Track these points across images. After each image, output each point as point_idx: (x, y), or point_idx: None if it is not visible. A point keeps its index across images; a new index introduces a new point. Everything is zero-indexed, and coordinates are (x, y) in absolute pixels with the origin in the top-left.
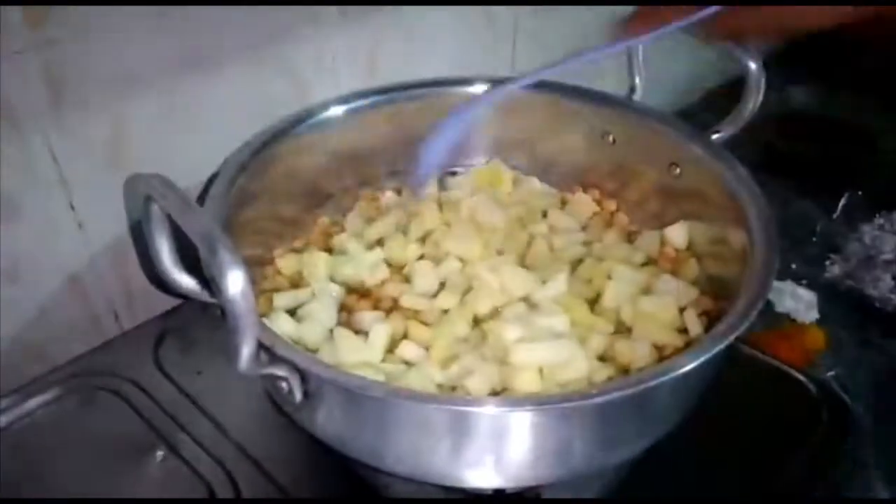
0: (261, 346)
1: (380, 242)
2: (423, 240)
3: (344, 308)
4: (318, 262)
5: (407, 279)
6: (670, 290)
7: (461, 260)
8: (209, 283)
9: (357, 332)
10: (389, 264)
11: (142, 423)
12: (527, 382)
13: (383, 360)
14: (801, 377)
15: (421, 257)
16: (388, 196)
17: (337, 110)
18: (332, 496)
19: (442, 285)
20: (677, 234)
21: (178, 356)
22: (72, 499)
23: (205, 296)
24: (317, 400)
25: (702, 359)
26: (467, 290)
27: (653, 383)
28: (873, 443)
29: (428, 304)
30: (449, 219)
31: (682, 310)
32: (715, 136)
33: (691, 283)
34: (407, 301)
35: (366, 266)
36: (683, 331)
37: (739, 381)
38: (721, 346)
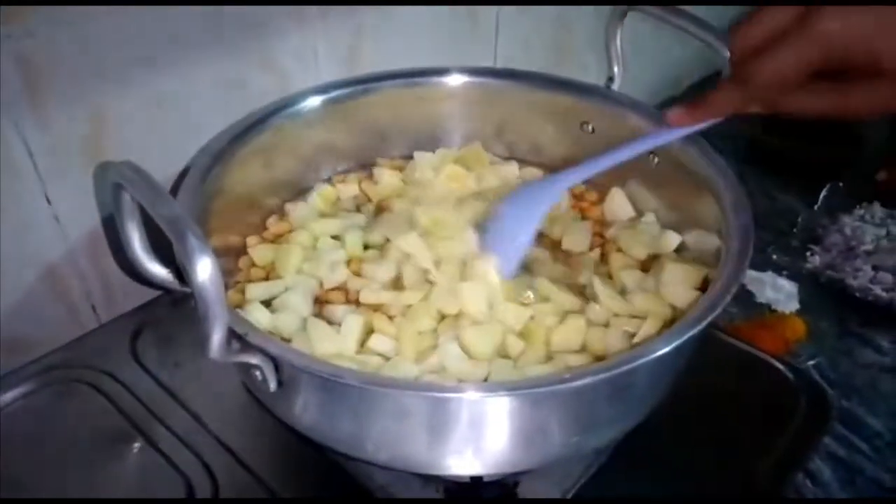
0: (234, 335)
1: (336, 238)
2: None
3: (317, 300)
4: (290, 255)
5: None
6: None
7: (406, 254)
8: (182, 272)
9: (330, 323)
10: (349, 262)
11: (119, 415)
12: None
13: (357, 353)
14: (779, 365)
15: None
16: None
17: (314, 100)
18: (311, 487)
19: (399, 279)
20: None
21: (155, 349)
22: (70, 499)
23: (177, 285)
24: (291, 389)
25: (673, 344)
26: (427, 285)
27: (625, 368)
28: (853, 429)
29: (389, 297)
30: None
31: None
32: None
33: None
34: (366, 297)
35: (325, 265)
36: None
37: (719, 369)
38: (694, 332)
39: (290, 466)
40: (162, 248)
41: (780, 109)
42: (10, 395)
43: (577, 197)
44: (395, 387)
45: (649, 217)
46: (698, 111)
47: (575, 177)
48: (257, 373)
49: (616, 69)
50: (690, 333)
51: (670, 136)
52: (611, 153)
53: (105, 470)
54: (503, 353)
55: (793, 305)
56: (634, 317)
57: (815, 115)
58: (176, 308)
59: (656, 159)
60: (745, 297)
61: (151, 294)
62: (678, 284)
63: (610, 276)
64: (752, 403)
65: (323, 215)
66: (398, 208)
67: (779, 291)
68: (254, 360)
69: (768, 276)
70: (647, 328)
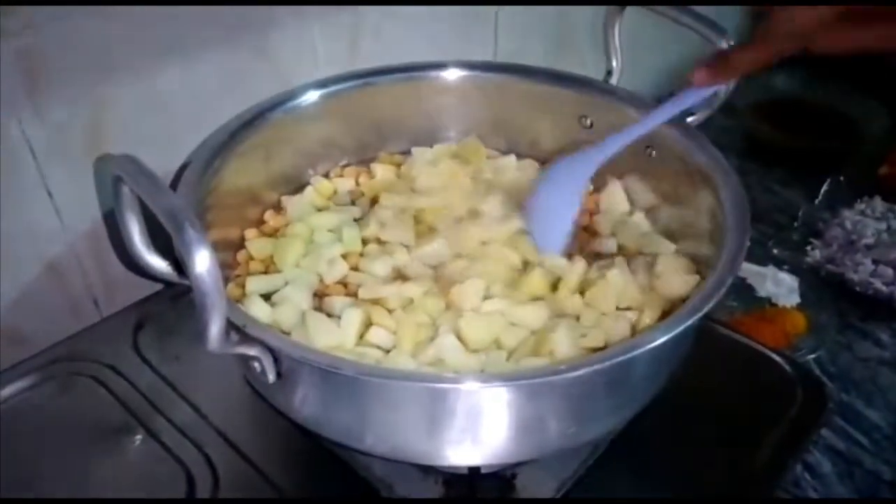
0: (232, 326)
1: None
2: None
3: (317, 294)
4: (289, 249)
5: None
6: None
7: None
8: (181, 264)
9: (329, 316)
10: (346, 256)
11: (121, 408)
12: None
13: (356, 346)
14: (777, 358)
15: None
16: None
17: (313, 95)
18: (310, 478)
19: (399, 273)
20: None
21: (157, 342)
22: (70, 499)
23: (176, 278)
24: (290, 380)
25: (668, 335)
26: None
27: (621, 358)
28: (852, 422)
29: (389, 291)
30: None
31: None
32: (690, 119)
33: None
34: (365, 293)
35: (324, 260)
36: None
37: (717, 362)
38: (689, 323)
39: (289, 458)
40: (162, 242)
41: (820, 49)
42: (11, 389)
43: None
44: (393, 377)
45: (639, 216)
46: (722, 68)
47: (612, 146)
48: (256, 364)
49: (615, 63)
50: (685, 325)
51: (695, 97)
52: (644, 120)
53: (107, 462)
54: (500, 346)
55: (793, 299)
56: (629, 308)
57: (857, 49)
58: (177, 302)
59: (654, 152)
60: (745, 292)
61: (152, 288)
62: (672, 275)
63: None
64: (750, 396)
65: (319, 209)
66: (390, 202)
67: (779, 285)
68: (252, 351)
69: (769, 270)
70: (645, 319)
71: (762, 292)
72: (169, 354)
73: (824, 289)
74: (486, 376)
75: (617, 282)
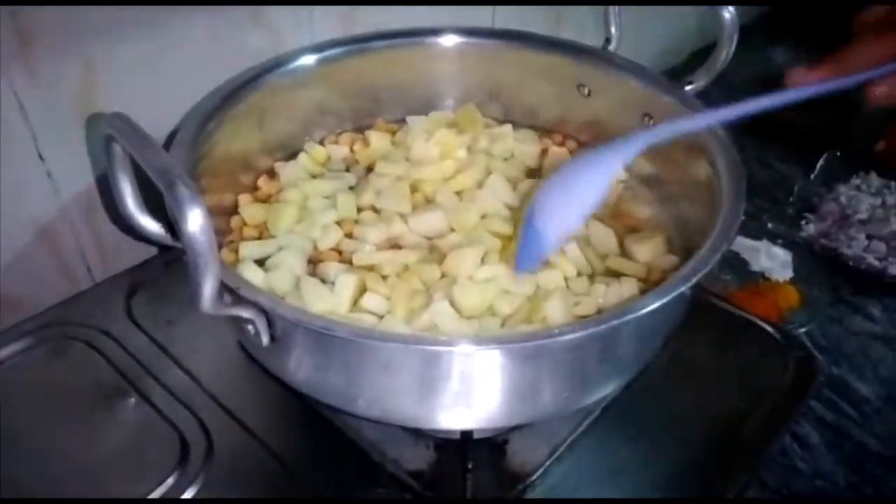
0: (226, 288)
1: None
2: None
3: (311, 260)
4: (282, 214)
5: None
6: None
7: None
8: (173, 225)
9: (323, 282)
10: (340, 223)
11: (114, 372)
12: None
13: (350, 312)
14: (768, 328)
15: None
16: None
17: (308, 59)
18: (303, 443)
19: (394, 243)
20: None
21: (150, 307)
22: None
23: (169, 240)
24: (284, 343)
25: (661, 301)
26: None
27: (614, 323)
28: (841, 395)
29: (384, 258)
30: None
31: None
32: (688, 87)
33: None
34: (359, 259)
35: (318, 227)
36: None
37: (709, 332)
38: (682, 289)
39: (283, 422)
40: (155, 206)
41: None
42: (4, 352)
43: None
44: (386, 340)
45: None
46: (829, 69)
47: (635, 146)
48: (249, 327)
49: (613, 30)
50: (678, 291)
51: (774, 101)
52: (681, 120)
53: (100, 425)
54: (493, 313)
55: (787, 274)
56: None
57: None
58: (170, 268)
59: (651, 121)
60: (739, 266)
61: (146, 254)
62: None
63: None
64: (742, 366)
65: (312, 175)
66: (387, 170)
67: (773, 260)
68: (246, 313)
69: (763, 244)
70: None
71: (756, 266)
72: (162, 319)
73: (817, 263)
74: (480, 339)
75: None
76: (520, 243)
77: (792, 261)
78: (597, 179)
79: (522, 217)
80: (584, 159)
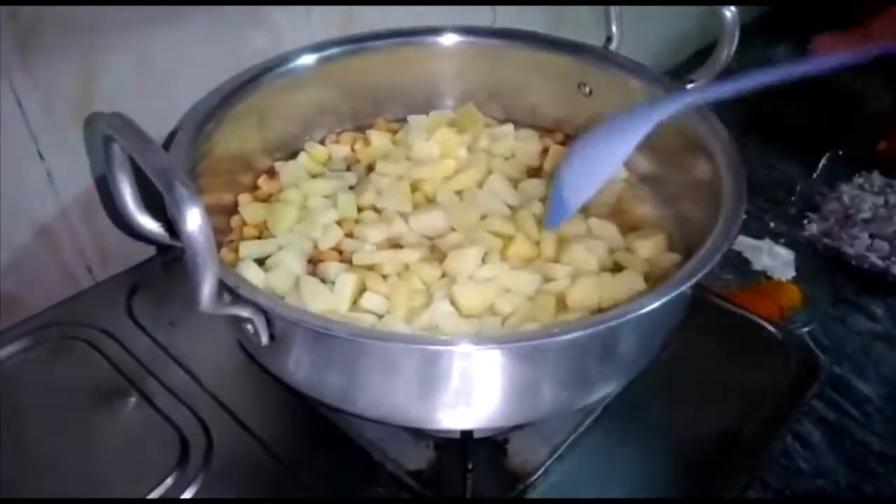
0: (225, 287)
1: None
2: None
3: (311, 260)
4: (283, 214)
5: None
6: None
7: (401, 215)
8: (172, 224)
9: (323, 281)
10: (340, 222)
11: (115, 372)
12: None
13: (350, 311)
14: (770, 327)
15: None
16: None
17: (308, 59)
18: (304, 442)
19: (394, 242)
20: None
21: (151, 308)
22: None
23: (168, 239)
24: (283, 343)
25: (661, 300)
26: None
27: (614, 322)
28: (843, 394)
29: (384, 257)
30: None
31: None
32: (690, 86)
33: None
34: (360, 259)
35: (319, 226)
36: None
37: (711, 332)
38: (682, 289)
39: (283, 421)
40: (155, 206)
41: None
42: (5, 352)
43: None
44: (386, 339)
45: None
46: (857, 39)
47: (665, 109)
48: (249, 326)
49: (614, 29)
50: (679, 290)
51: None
52: (712, 88)
53: (101, 425)
54: (494, 312)
55: (789, 273)
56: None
57: None
58: (170, 268)
59: None
60: (741, 265)
61: (146, 254)
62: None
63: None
64: (743, 365)
65: (313, 175)
66: (387, 170)
67: (776, 259)
68: (245, 312)
69: (765, 243)
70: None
71: (758, 266)
72: (163, 319)
73: (820, 262)
74: (480, 339)
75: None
76: (548, 205)
77: (794, 260)
78: (619, 146)
79: (552, 179)
80: (609, 125)
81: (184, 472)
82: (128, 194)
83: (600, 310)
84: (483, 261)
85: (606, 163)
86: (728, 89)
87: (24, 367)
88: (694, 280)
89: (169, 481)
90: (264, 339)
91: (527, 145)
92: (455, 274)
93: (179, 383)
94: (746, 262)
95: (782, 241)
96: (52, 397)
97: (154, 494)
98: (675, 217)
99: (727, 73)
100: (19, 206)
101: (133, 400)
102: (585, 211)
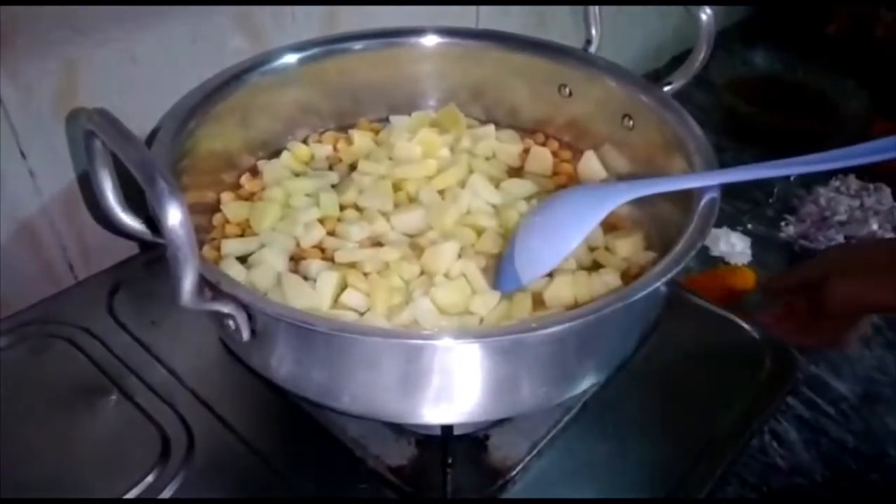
0: (206, 283)
1: (311, 196)
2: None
3: (293, 257)
4: (265, 212)
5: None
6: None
7: (383, 214)
8: (154, 220)
9: (305, 279)
10: (323, 220)
11: (96, 370)
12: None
13: (331, 308)
14: (746, 326)
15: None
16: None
17: (290, 58)
18: (285, 440)
19: (376, 241)
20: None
21: (132, 306)
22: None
23: (149, 235)
24: (264, 338)
25: (638, 295)
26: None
27: (592, 316)
28: (819, 393)
29: (365, 255)
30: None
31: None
32: (667, 88)
33: None
34: (341, 257)
35: (301, 224)
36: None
37: (688, 329)
38: (657, 285)
39: (264, 419)
40: (137, 203)
41: None
42: None
43: (553, 154)
44: (366, 334)
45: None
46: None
47: (632, 192)
48: (230, 322)
49: (594, 32)
50: (654, 286)
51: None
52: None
53: (82, 423)
54: (472, 310)
55: (745, 258)
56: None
57: None
58: (152, 267)
59: (632, 122)
60: (700, 251)
61: (128, 252)
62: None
63: None
64: (719, 363)
65: (296, 174)
66: (370, 169)
67: (732, 246)
68: (226, 308)
69: (722, 231)
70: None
71: (716, 252)
72: (144, 318)
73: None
74: (460, 333)
75: None
76: (499, 269)
77: (750, 247)
78: (580, 224)
79: (505, 248)
80: (571, 198)
81: (165, 469)
82: (109, 190)
83: (576, 307)
84: (460, 256)
85: (567, 239)
86: (691, 182)
87: (4, 364)
88: (668, 277)
89: (150, 478)
90: (245, 335)
91: (508, 146)
92: (432, 271)
93: (160, 381)
94: (705, 248)
95: (739, 228)
96: (32, 395)
97: (135, 491)
98: (652, 216)
99: (705, 78)
100: (1, 205)
101: (114, 398)
102: None
